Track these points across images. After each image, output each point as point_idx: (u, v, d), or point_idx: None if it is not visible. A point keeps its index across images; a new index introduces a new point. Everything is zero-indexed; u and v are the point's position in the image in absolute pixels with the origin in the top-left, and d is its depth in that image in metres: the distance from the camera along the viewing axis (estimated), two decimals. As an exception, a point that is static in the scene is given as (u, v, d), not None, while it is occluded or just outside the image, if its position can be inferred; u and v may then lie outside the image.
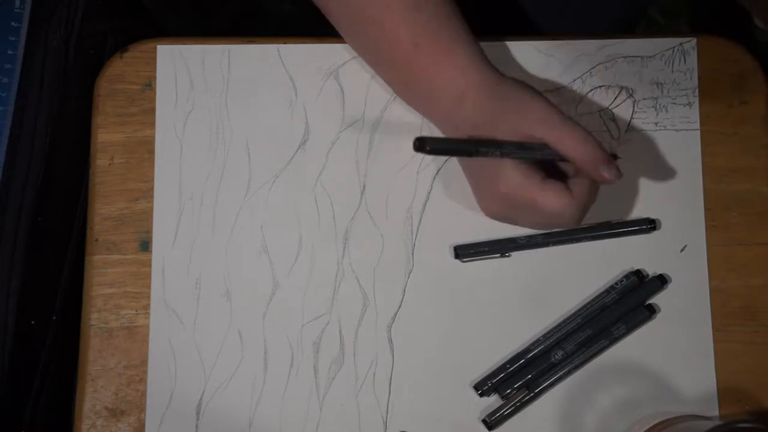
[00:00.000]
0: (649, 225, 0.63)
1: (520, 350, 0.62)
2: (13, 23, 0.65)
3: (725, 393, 0.62)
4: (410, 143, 0.64)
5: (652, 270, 0.64)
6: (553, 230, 0.63)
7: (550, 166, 0.59)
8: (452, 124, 0.60)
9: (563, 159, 0.57)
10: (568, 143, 0.56)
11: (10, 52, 0.64)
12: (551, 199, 0.56)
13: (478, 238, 0.64)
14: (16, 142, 0.63)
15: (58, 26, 0.66)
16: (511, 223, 0.62)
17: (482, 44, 0.62)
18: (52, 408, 0.67)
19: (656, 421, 0.60)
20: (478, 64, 0.59)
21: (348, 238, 0.64)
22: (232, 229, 0.64)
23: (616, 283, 0.63)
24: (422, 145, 0.52)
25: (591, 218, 0.64)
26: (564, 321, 0.63)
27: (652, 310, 0.63)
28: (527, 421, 0.62)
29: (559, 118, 0.57)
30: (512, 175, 0.56)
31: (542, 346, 0.62)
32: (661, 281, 0.63)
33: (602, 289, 0.63)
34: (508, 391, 0.61)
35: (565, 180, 0.58)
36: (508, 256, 0.63)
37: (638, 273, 0.63)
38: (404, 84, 0.61)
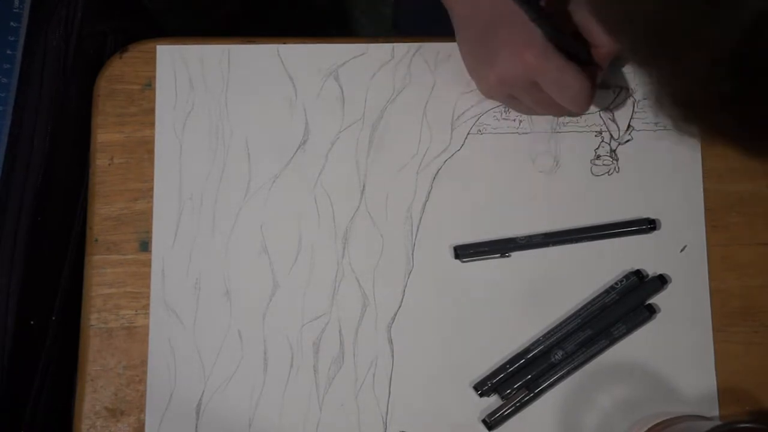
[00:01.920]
0: (649, 225, 0.63)
1: (520, 350, 0.62)
2: (12, 23, 0.65)
3: (725, 393, 0.62)
4: (410, 143, 0.65)
5: (652, 270, 0.64)
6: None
7: None
8: None
9: (582, 51, 0.58)
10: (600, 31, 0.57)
11: (9, 52, 0.64)
12: (577, 74, 0.56)
13: (478, 238, 0.64)
14: (15, 142, 0.63)
15: (58, 26, 0.66)
16: (509, 101, 0.62)
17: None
18: (52, 408, 0.67)
19: (656, 421, 0.60)
20: None
21: (348, 238, 0.64)
22: (232, 229, 0.64)
23: (616, 283, 0.63)
24: None
25: (591, 218, 0.64)
26: (564, 321, 0.63)
27: (652, 310, 0.63)
28: (527, 421, 0.62)
29: None
30: (543, 44, 0.56)
31: (542, 347, 0.62)
32: (661, 281, 0.63)
33: (602, 289, 0.63)
34: (508, 391, 0.61)
35: None
36: (508, 257, 0.63)
37: (638, 273, 0.63)
38: None
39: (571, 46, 0.57)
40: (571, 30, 0.59)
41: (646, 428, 0.60)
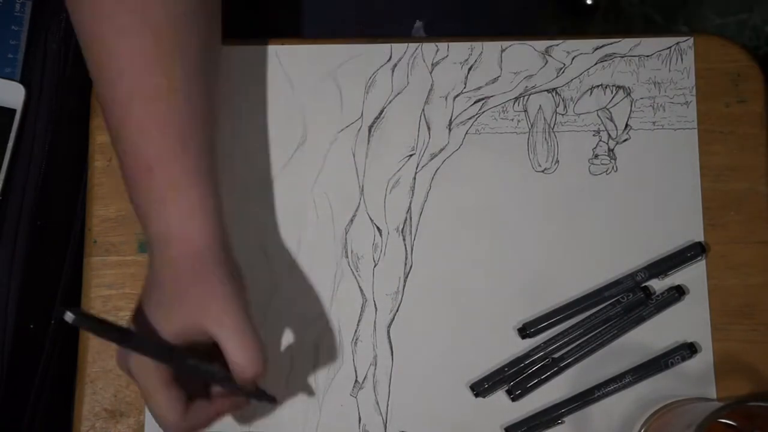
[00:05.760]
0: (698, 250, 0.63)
1: (520, 354, 0.62)
2: (13, 27, 0.65)
3: (724, 391, 0.62)
4: (408, 143, 0.65)
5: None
6: None
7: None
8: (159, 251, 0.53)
9: (211, 376, 0.52)
10: (236, 351, 0.51)
11: (10, 55, 0.65)
12: (161, 407, 0.51)
13: (477, 238, 0.64)
14: (16, 144, 0.63)
15: (58, 30, 0.66)
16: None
17: (481, 44, 0.62)
18: (52, 410, 0.67)
19: (658, 406, 0.60)
20: (206, 219, 0.53)
21: (347, 238, 0.64)
22: (231, 230, 0.63)
23: (623, 297, 0.62)
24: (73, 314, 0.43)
25: (589, 217, 0.64)
26: (567, 330, 0.62)
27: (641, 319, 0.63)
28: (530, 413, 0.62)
29: (242, 322, 0.52)
30: (145, 360, 0.50)
31: (542, 353, 0.62)
32: (672, 299, 0.63)
33: (606, 293, 0.63)
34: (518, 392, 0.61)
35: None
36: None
37: (645, 289, 0.62)
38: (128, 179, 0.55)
39: (190, 366, 0.51)
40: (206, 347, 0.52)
41: (651, 411, 0.60)
